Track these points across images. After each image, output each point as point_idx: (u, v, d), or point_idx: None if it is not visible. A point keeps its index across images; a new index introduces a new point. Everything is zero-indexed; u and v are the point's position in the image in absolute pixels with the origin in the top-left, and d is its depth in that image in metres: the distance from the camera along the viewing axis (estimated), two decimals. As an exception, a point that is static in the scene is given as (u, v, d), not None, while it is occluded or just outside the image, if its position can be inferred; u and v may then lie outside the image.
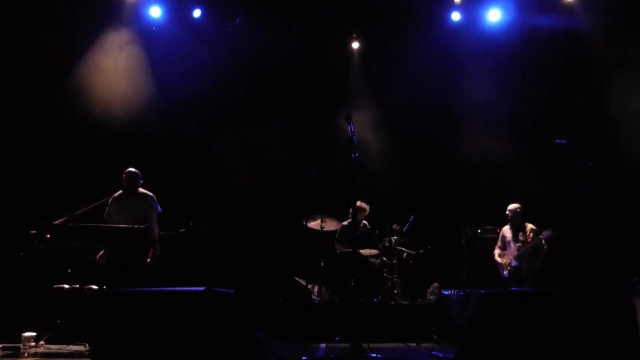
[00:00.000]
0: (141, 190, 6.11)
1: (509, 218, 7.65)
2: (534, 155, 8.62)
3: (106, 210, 6.03)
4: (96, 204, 6.03)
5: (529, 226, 7.50)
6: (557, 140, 6.71)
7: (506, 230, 7.71)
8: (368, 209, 8.17)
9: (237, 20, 9.36)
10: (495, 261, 7.65)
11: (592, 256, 7.83)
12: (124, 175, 6.10)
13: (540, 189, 8.00)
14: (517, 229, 7.55)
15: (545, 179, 8.09)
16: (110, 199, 6.06)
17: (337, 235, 8.23)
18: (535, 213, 7.60)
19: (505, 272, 7.50)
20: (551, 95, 9.04)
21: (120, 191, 6.10)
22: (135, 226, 5.58)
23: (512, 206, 7.68)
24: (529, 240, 7.31)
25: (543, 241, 7.17)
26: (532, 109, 9.11)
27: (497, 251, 7.70)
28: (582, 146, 6.91)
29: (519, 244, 7.38)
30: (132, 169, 6.15)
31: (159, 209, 6.18)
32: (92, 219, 5.90)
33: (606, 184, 7.80)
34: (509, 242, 7.60)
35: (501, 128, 9.22)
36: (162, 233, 6.24)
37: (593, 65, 8.79)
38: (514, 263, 7.38)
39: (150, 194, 6.11)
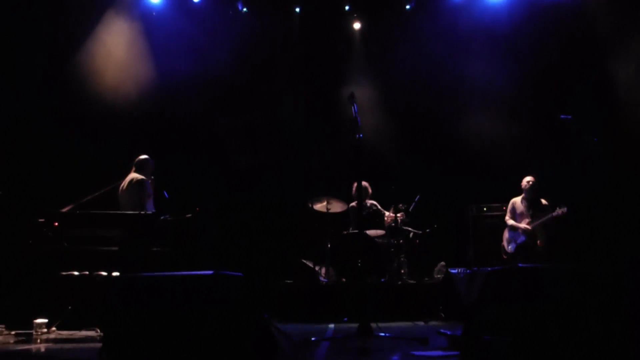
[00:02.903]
0: (135, 175, 6.17)
1: (524, 190, 7.52)
2: (539, 132, 8.59)
3: None
4: (103, 190, 6.06)
5: (543, 202, 7.41)
6: (562, 116, 6.67)
7: (517, 203, 7.56)
8: (368, 186, 8.18)
9: (240, 7, 9.30)
10: (503, 233, 7.57)
11: (598, 230, 7.84)
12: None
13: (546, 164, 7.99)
14: (530, 203, 7.45)
15: (551, 155, 8.08)
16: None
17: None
18: (546, 188, 7.56)
19: (510, 247, 7.44)
20: (555, 70, 8.97)
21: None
22: (142, 212, 5.62)
23: (527, 178, 7.52)
24: (542, 215, 7.23)
25: (553, 218, 7.09)
26: (536, 85, 9.05)
27: (511, 221, 7.57)
28: (587, 121, 6.88)
29: (530, 220, 7.33)
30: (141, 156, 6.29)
31: (161, 192, 6.26)
32: (99, 206, 5.94)
33: (611, 157, 7.78)
34: (520, 214, 7.49)
35: (505, 105, 9.17)
36: (169, 218, 6.27)
37: (596, 38, 8.71)
38: (521, 238, 7.34)
39: (141, 177, 6.18)
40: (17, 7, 8.11)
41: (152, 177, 6.50)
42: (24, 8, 8.16)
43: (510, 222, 7.54)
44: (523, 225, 7.37)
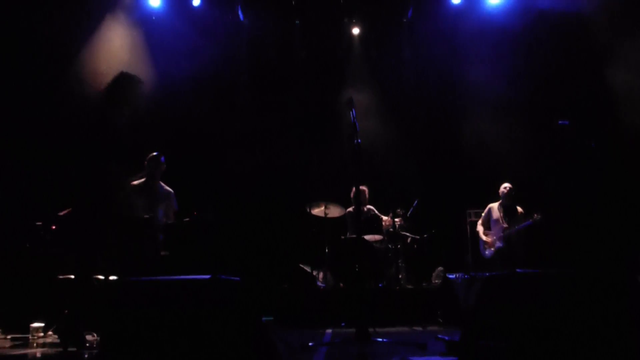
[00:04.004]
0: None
1: (501, 196, 7.63)
2: (537, 137, 8.61)
3: None
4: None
5: (519, 209, 7.50)
6: (559, 121, 6.69)
7: (494, 209, 7.66)
8: (366, 190, 8.19)
9: (241, 17, 9.32)
10: (479, 238, 7.65)
11: (596, 235, 7.87)
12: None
13: (544, 170, 8.02)
14: (507, 209, 7.53)
15: (549, 160, 8.11)
16: None
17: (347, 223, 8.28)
18: (526, 195, 7.62)
19: (487, 252, 7.49)
20: (553, 76, 9.00)
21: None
22: (138, 217, 5.62)
23: (505, 185, 7.64)
24: (518, 223, 7.30)
25: (529, 226, 7.15)
26: (535, 90, 9.08)
27: (480, 228, 7.69)
28: (585, 126, 6.88)
29: (506, 226, 7.37)
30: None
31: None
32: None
33: (609, 163, 7.80)
34: (495, 220, 7.57)
35: (504, 110, 9.19)
36: (168, 222, 6.26)
37: (594, 44, 8.74)
38: (498, 244, 7.38)
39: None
40: (19, 9, 8.12)
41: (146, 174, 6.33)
42: (25, 10, 8.16)
43: (479, 228, 7.65)
44: (485, 237, 7.50)
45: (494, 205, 7.69)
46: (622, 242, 7.62)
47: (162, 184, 6.27)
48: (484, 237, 7.59)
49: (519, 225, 7.25)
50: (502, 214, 7.54)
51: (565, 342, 3.08)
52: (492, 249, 7.45)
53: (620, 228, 7.81)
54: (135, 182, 6.14)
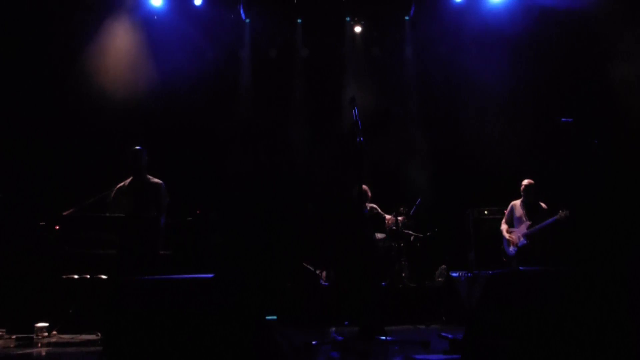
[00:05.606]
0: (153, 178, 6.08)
1: (522, 193, 7.49)
2: (539, 135, 8.59)
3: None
4: (104, 194, 6.05)
5: (542, 205, 7.38)
6: (562, 119, 6.67)
7: (517, 206, 7.52)
8: (368, 190, 8.18)
9: (243, 16, 9.35)
10: (502, 236, 7.55)
11: (599, 233, 7.83)
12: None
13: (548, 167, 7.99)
14: (529, 206, 7.41)
15: (553, 158, 8.07)
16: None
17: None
18: (547, 191, 7.55)
19: (511, 249, 7.40)
20: (555, 73, 8.98)
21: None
22: (142, 216, 5.60)
23: (526, 181, 7.48)
24: (540, 220, 7.21)
25: (556, 222, 7.05)
26: (537, 88, 9.05)
27: (504, 226, 7.57)
28: (588, 124, 6.87)
29: (529, 223, 7.28)
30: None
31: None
32: (101, 209, 5.93)
33: (612, 160, 7.77)
34: (518, 218, 7.44)
35: (506, 107, 9.17)
36: (170, 221, 6.25)
37: (597, 41, 8.71)
38: (522, 241, 7.30)
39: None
40: (25, 8, 8.15)
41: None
42: (30, 10, 8.20)
43: (503, 227, 7.56)
44: (508, 235, 7.41)
45: (517, 203, 7.55)
46: (624, 240, 7.59)
47: (150, 177, 6.10)
48: (507, 235, 7.48)
49: (544, 222, 7.14)
50: (524, 211, 7.40)
51: (569, 340, 3.08)
52: (516, 246, 7.36)
53: (623, 226, 7.79)
54: (121, 184, 6.04)
